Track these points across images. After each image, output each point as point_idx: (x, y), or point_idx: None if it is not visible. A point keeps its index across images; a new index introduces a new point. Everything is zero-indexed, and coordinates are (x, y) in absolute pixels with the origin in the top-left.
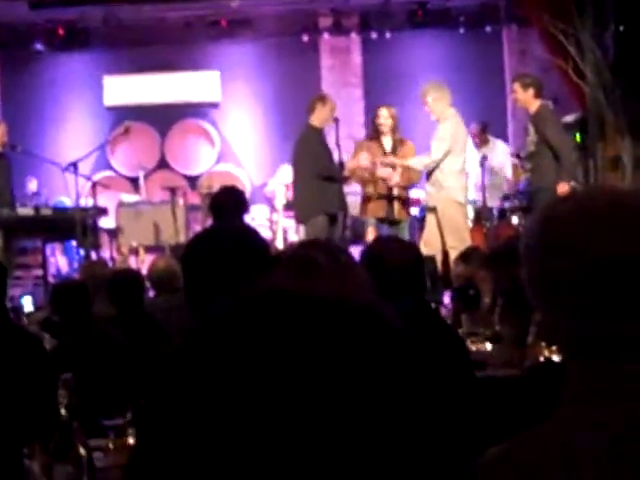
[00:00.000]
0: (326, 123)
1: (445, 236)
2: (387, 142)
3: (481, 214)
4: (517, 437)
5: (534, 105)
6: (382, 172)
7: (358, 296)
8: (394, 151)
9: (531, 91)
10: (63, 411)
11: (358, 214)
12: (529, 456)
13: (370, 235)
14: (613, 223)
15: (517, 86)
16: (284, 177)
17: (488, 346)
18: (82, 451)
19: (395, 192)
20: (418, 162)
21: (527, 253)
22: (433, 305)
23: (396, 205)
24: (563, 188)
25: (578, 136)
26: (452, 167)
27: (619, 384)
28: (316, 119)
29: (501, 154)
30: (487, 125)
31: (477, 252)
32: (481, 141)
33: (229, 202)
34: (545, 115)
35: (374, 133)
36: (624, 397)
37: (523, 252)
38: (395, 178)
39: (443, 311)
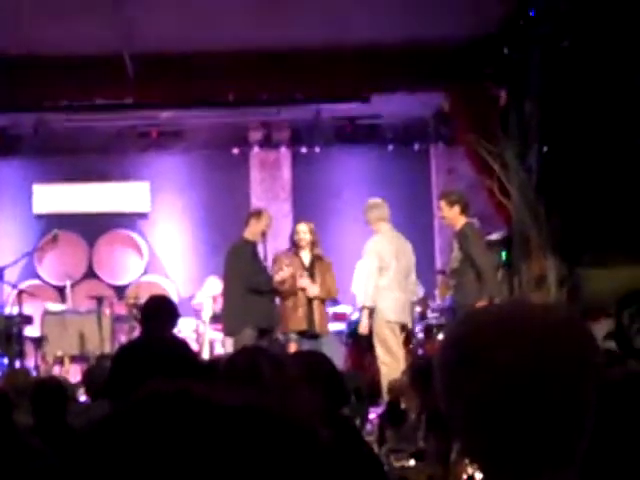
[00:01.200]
0: (259, 237)
1: (377, 352)
2: (305, 256)
3: (407, 331)
4: None
5: (459, 222)
6: (302, 282)
7: (289, 408)
8: (312, 265)
9: (457, 208)
10: None
11: (279, 330)
12: None
13: (292, 350)
14: (510, 339)
15: (443, 204)
16: (211, 289)
17: (411, 462)
18: None
19: (315, 304)
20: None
21: (436, 367)
22: (357, 421)
23: (317, 317)
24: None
25: (503, 254)
26: (381, 284)
27: None
28: (249, 233)
29: None
30: None
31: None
32: None
33: (162, 310)
34: (469, 233)
35: (294, 247)
36: None
37: (435, 366)
38: (314, 290)
39: (369, 427)
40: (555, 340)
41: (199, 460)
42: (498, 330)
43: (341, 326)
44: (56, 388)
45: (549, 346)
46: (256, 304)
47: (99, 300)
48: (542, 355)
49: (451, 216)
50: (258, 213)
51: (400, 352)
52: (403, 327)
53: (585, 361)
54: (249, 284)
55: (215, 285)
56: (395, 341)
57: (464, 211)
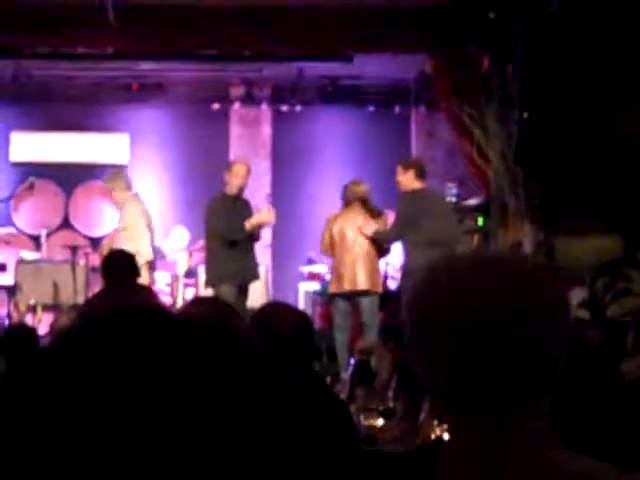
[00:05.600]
0: (237, 189)
1: None
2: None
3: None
4: None
5: (411, 186)
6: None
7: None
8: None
9: (411, 173)
10: None
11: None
12: None
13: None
14: (483, 283)
15: (399, 168)
16: (178, 239)
17: (380, 421)
18: None
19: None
20: None
21: (406, 312)
22: (328, 379)
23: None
24: None
25: (481, 220)
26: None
27: (500, 434)
28: (227, 187)
29: None
30: None
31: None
32: None
33: (121, 264)
34: (403, 198)
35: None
36: (510, 447)
37: (405, 311)
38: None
39: (338, 386)
40: (528, 287)
41: (158, 370)
42: (471, 275)
43: (315, 285)
44: (27, 334)
45: (521, 292)
46: (232, 260)
47: (74, 250)
48: (515, 300)
49: (404, 180)
50: (228, 165)
51: None
52: None
53: (557, 310)
54: (224, 237)
55: (182, 235)
56: None
57: (419, 176)
